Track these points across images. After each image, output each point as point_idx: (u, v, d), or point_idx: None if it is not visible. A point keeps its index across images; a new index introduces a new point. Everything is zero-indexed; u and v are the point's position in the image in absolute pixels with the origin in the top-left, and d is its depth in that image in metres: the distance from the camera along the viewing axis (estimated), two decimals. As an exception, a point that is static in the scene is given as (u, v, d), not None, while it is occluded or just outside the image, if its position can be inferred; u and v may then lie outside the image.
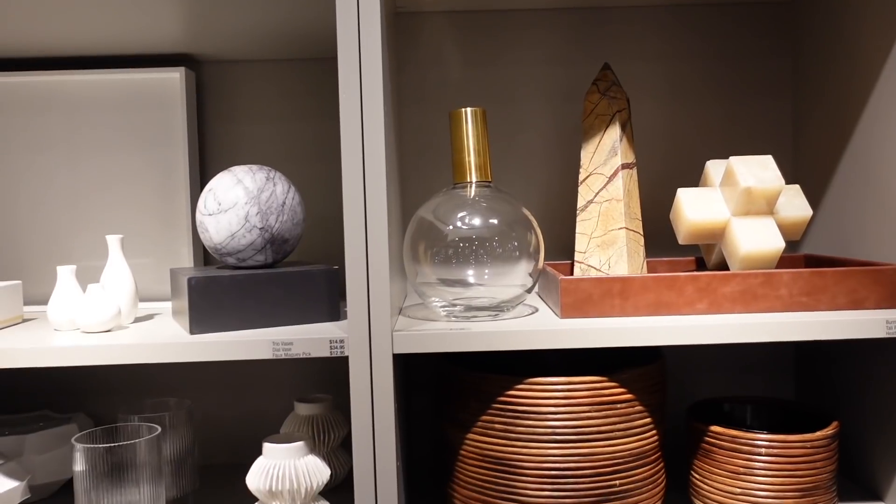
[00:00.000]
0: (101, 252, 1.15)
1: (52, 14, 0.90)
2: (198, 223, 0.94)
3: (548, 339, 0.82)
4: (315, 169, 1.21)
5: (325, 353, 0.83)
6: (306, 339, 0.83)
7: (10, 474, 0.93)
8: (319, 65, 1.20)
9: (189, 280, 0.87)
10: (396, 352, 0.83)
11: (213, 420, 1.22)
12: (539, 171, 1.20)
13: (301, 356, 0.83)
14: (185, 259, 1.15)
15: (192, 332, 0.87)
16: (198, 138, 1.19)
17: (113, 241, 0.98)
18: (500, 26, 1.18)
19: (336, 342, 0.83)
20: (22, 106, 1.15)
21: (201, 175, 1.20)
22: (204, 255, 1.20)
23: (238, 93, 1.20)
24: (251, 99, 1.20)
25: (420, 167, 1.20)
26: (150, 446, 0.90)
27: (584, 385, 0.84)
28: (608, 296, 0.87)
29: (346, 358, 0.84)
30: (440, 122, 1.19)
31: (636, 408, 0.87)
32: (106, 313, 0.90)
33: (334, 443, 1.06)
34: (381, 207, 0.81)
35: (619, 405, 0.85)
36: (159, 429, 0.92)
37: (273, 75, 1.20)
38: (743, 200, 0.92)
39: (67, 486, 1.12)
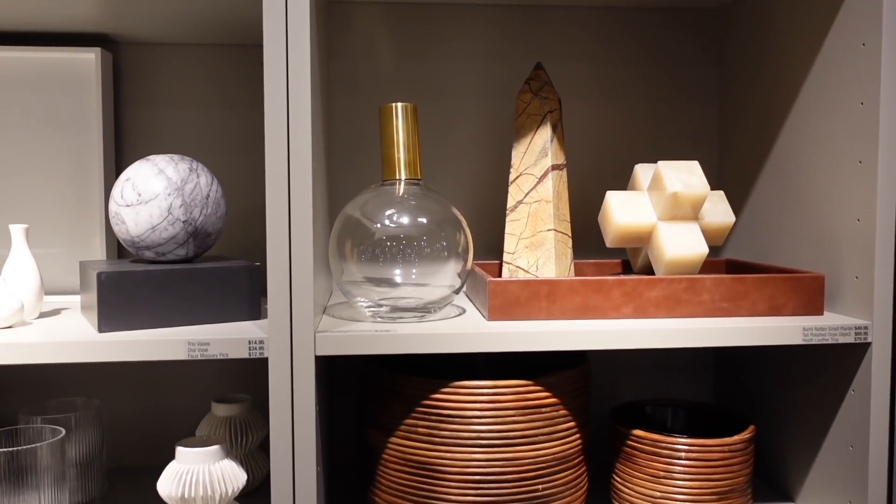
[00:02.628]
0: (4, 241, 1.08)
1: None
2: (112, 214, 0.89)
3: (475, 343, 0.81)
4: (237, 159, 1.16)
5: (244, 354, 0.79)
6: (224, 339, 0.79)
7: None
8: (245, 51, 1.15)
9: (99, 275, 0.82)
10: (319, 353, 0.80)
11: (124, 420, 1.16)
12: (470, 169, 1.18)
13: (218, 357, 0.79)
14: (98, 251, 1.10)
15: (100, 330, 0.83)
16: (114, 124, 1.13)
17: (17, 230, 0.92)
18: (434, 19, 1.16)
19: (255, 343, 0.80)
20: (-82, 82, 1.07)
21: (117, 163, 1.14)
22: (118, 247, 1.14)
23: (158, 77, 1.15)
24: (172, 84, 1.15)
25: (349, 161, 1.17)
26: (53, 450, 0.85)
27: (509, 389, 0.83)
28: (535, 298, 0.86)
29: (265, 359, 0.81)
30: (371, 115, 1.17)
31: (561, 412, 0.87)
32: (7, 308, 0.85)
33: (252, 445, 1.03)
34: (307, 202, 0.78)
35: (544, 409, 0.85)
36: (63, 431, 0.87)
37: (195, 60, 1.15)
38: (669, 205, 0.93)
39: (-37, 489, 1.05)
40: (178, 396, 1.17)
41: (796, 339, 0.84)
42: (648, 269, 1.02)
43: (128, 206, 0.88)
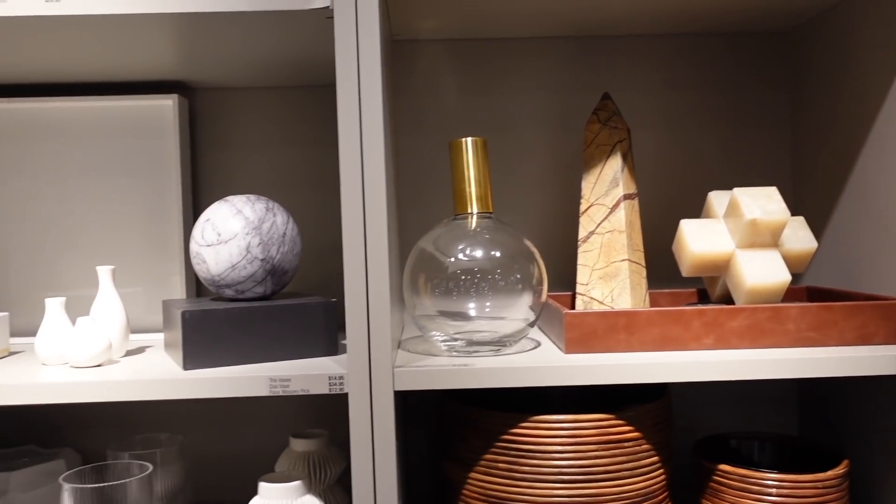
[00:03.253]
0: (91, 281, 1.13)
1: (46, 41, 0.88)
2: (193, 254, 0.92)
3: (553, 376, 0.80)
4: (309, 197, 1.19)
5: (324, 389, 0.80)
6: (304, 375, 0.80)
7: (-6, 515, 0.89)
8: (313, 92, 1.18)
9: (183, 314, 0.85)
10: (398, 389, 0.80)
11: (205, 456, 1.19)
12: (537, 201, 1.18)
13: (299, 393, 0.80)
14: (177, 289, 1.13)
15: (185, 368, 0.85)
16: (190, 166, 1.17)
17: (104, 272, 0.95)
18: (497, 54, 1.18)
19: (335, 378, 0.80)
20: (14, 133, 1.12)
21: (194, 204, 1.18)
22: (197, 285, 1.17)
23: (231, 120, 1.18)
24: (245, 126, 1.18)
25: (416, 196, 1.18)
26: (142, 485, 0.87)
27: (590, 423, 0.82)
28: (613, 330, 0.85)
29: (345, 394, 0.81)
30: (436, 151, 1.18)
31: (643, 446, 0.85)
32: (96, 347, 0.88)
33: (330, 480, 1.03)
34: (382, 239, 0.79)
35: (626, 444, 0.83)
36: (151, 467, 0.89)
37: (266, 102, 1.18)
38: (748, 232, 0.91)
39: (52, 525, 1.08)
40: (255, 432, 1.18)
41: (890, 370, 0.81)
42: (727, 299, 1.00)
43: (208, 245, 0.90)
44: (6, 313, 0.99)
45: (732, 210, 0.93)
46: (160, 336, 1.11)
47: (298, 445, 1.03)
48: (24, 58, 0.96)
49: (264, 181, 1.18)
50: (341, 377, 0.80)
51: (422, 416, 1.17)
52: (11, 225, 1.12)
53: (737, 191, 0.92)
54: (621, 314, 0.85)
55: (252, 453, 1.18)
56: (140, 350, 1.00)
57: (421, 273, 0.89)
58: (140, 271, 1.13)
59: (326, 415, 1.19)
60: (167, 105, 1.13)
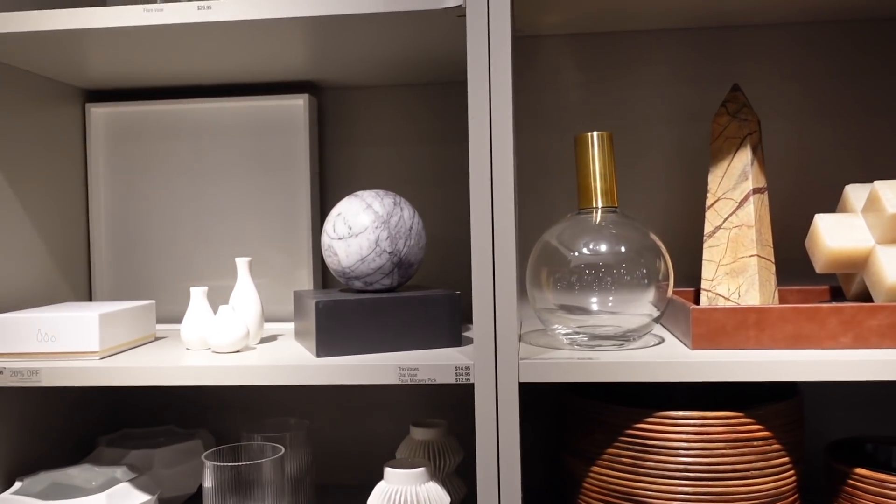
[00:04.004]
0: (225, 272, 1.19)
1: (184, 44, 0.94)
2: (325, 247, 0.96)
3: (680, 372, 0.79)
4: (431, 192, 1.21)
5: (451, 379, 0.82)
6: (432, 365, 0.83)
7: (143, 488, 0.96)
8: (436, 89, 1.21)
9: (317, 303, 0.89)
10: (523, 381, 0.81)
11: (330, 441, 1.23)
12: (661, 196, 1.17)
13: (426, 382, 0.82)
14: (304, 280, 1.18)
15: (318, 355, 0.89)
16: (318, 163, 1.22)
17: (242, 263, 1.01)
18: (619, 48, 1.17)
19: (461, 369, 0.82)
20: (154, 133, 1.20)
21: (321, 199, 1.23)
22: (323, 276, 1.22)
23: (356, 118, 1.22)
24: (369, 123, 1.22)
25: (535, 190, 1.19)
26: (275, 466, 0.91)
27: (718, 421, 0.81)
28: (742, 327, 0.83)
29: (463, 385, 0.83)
30: (556, 145, 1.18)
31: (773, 446, 0.82)
32: (236, 334, 0.93)
33: (449, 468, 1.06)
34: (509, 233, 0.80)
35: (755, 443, 0.81)
36: (283, 449, 0.94)
37: (390, 100, 1.22)
38: (890, 227, 0.87)
39: (191, 500, 1.16)
40: (375, 420, 1.22)
41: None
42: (864, 297, 0.96)
43: (339, 238, 0.94)
44: (153, 301, 1.06)
45: (872, 204, 0.89)
46: (288, 325, 1.17)
47: (419, 434, 1.06)
48: (169, 62, 1.03)
49: (388, 177, 1.22)
50: (467, 367, 0.82)
51: (537, 409, 1.18)
52: (156, 220, 1.20)
53: (878, 184, 0.88)
54: (751, 310, 0.83)
55: (374, 440, 1.22)
56: (272, 338, 1.06)
57: (544, 267, 0.90)
58: (270, 263, 1.19)
59: (445, 405, 1.21)
60: (298, 105, 1.18)
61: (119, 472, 1.01)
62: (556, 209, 1.18)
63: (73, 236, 1.17)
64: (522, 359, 0.82)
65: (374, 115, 1.22)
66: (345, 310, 0.90)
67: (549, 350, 0.87)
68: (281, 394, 1.24)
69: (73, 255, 1.17)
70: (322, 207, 1.23)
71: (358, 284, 0.96)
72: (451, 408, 1.21)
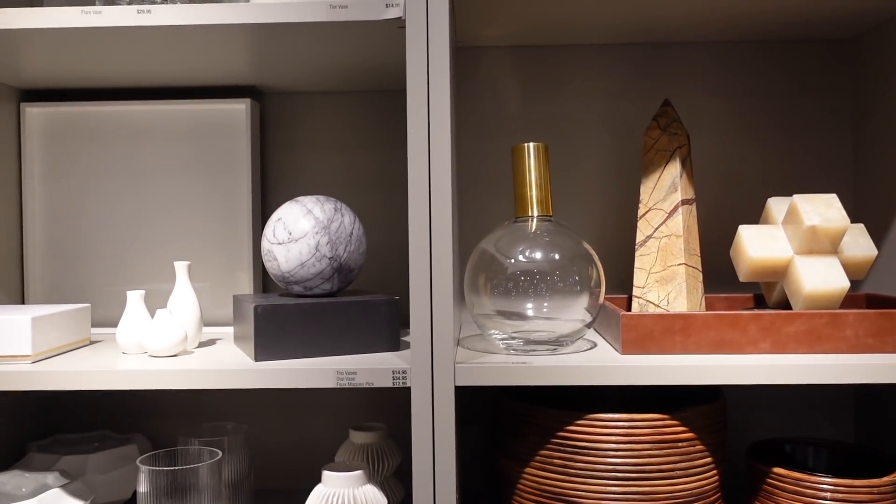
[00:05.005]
0: (163, 275, 1.18)
1: (123, 47, 0.94)
2: (265, 251, 0.96)
3: (610, 376, 0.82)
4: (372, 198, 1.23)
5: (388, 383, 0.84)
6: (369, 369, 0.84)
7: (76, 494, 0.95)
8: (379, 97, 1.22)
9: (255, 308, 0.89)
10: (458, 384, 0.83)
11: (269, 445, 1.23)
12: (595, 205, 1.20)
13: (364, 386, 0.84)
14: (245, 285, 1.18)
15: (256, 360, 0.89)
16: (260, 167, 1.22)
17: (181, 267, 1.01)
18: (557, 60, 1.20)
19: (398, 373, 0.84)
20: (92, 134, 1.19)
21: (262, 204, 1.23)
22: (263, 281, 1.22)
23: (299, 123, 1.23)
24: (312, 129, 1.23)
25: (474, 198, 1.21)
26: (212, 470, 0.91)
27: (645, 423, 0.84)
28: (669, 332, 0.87)
29: (403, 388, 0.85)
30: (495, 154, 1.21)
31: (697, 447, 0.86)
32: (173, 338, 0.93)
33: (387, 472, 1.07)
34: (447, 239, 0.82)
35: (680, 444, 0.85)
36: (220, 453, 0.94)
37: (334, 106, 1.23)
38: (807, 239, 0.92)
39: (125, 506, 1.14)
40: (315, 424, 1.23)
41: (950, 377, 0.81)
42: (784, 305, 1.00)
43: (279, 243, 0.95)
44: (88, 305, 1.05)
45: (792, 216, 0.94)
46: (228, 329, 1.16)
47: (358, 438, 1.07)
48: (107, 64, 1.02)
49: (330, 182, 1.23)
50: (404, 371, 0.84)
51: (473, 412, 1.20)
52: (92, 222, 1.19)
53: (796, 197, 0.93)
54: (678, 317, 0.87)
55: (313, 444, 1.23)
56: (211, 342, 1.05)
57: (481, 273, 0.92)
58: (210, 267, 1.18)
59: (384, 409, 1.22)
60: (240, 109, 1.18)
61: (50, 477, 1.00)
62: (495, 216, 1.21)
63: (6, 238, 1.15)
64: (458, 363, 0.84)
65: (316, 120, 1.23)
66: (283, 314, 0.90)
67: (484, 354, 0.89)
68: (219, 398, 1.24)
69: (5, 257, 1.14)
70: (263, 212, 1.23)
71: (298, 289, 0.96)
72: (390, 412, 1.22)
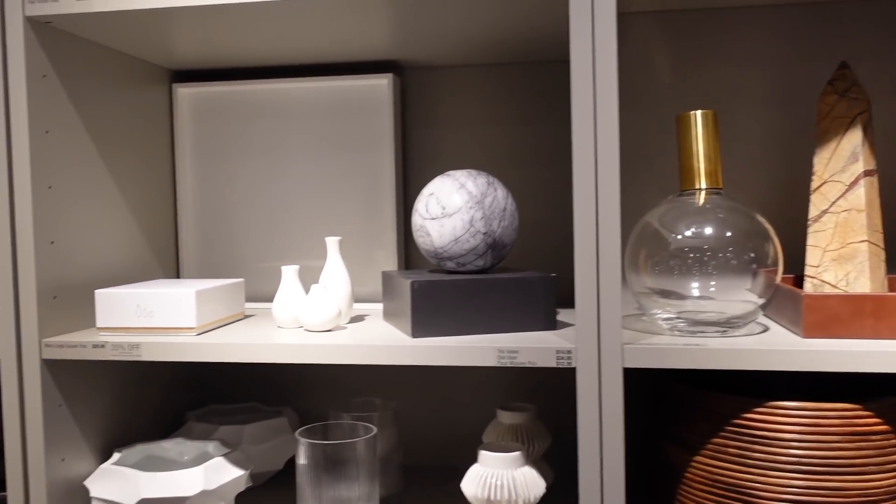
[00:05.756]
0: (308, 252, 1.19)
1: (268, 23, 0.94)
2: (417, 227, 0.95)
3: (795, 361, 0.76)
4: (514, 173, 1.19)
5: (551, 363, 0.81)
6: (532, 347, 0.81)
7: (236, 463, 0.97)
8: (524, 69, 1.18)
9: (413, 283, 0.88)
10: (627, 366, 0.79)
11: (415, 422, 1.23)
12: (758, 179, 1.12)
13: (526, 365, 0.81)
14: (389, 261, 1.17)
15: (413, 336, 0.88)
16: (402, 143, 1.21)
17: (332, 242, 1.01)
18: (714, 25, 1.12)
19: (563, 353, 0.80)
20: (239, 113, 1.21)
21: (404, 179, 1.22)
22: (405, 257, 1.21)
23: (440, 98, 1.21)
24: (453, 104, 1.21)
25: (624, 173, 1.15)
26: (368, 445, 0.91)
27: (835, 412, 0.77)
28: (859, 315, 0.80)
29: (555, 369, 0.81)
30: (647, 127, 1.15)
31: (893, 441, 0.79)
32: (328, 313, 0.93)
33: (536, 454, 1.04)
34: (614, 214, 0.78)
35: (873, 436, 0.78)
36: (375, 429, 0.94)
37: (475, 80, 1.20)
38: None
39: (278, 476, 1.17)
40: (461, 401, 1.22)
41: None
42: (983, 286, 0.91)
43: (433, 219, 0.93)
44: (242, 280, 1.07)
45: None
46: (371, 306, 1.16)
47: (506, 418, 1.05)
48: (253, 42, 1.03)
49: (473, 158, 1.20)
50: (569, 352, 0.80)
51: (629, 395, 1.16)
52: (240, 199, 1.21)
53: None
54: (869, 298, 0.79)
55: (458, 422, 1.22)
56: (360, 318, 1.05)
57: (642, 249, 0.87)
58: (354, 244, 1.18)
59: (526, 389, 1.20)
60: (382, 84, 1.17)
61: (211, 446, 1.02)
62: (647, 193, 1.15)
63: (162, 215, 1.18)
64: (627, 344, 0.80)
65: (458, 95, 1.20)
66: (440, 290, 0.89)
67: (650, 335, 0.85)
68: (365, 374, 1.24)
69: (162, 232, 1.18)
70: (405, 189, 1.22)
71: (450, 265, 0.95)
72: (537, 391, 1.19)
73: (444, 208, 0.92)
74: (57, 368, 0.93)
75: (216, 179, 1.22)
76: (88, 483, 0.93)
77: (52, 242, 0.93)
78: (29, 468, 0.91)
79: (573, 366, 0.80)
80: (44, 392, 0.91)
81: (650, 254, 0.86)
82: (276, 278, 1.20)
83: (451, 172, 0.96)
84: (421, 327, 0.88)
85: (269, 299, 1.21)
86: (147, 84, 1.15)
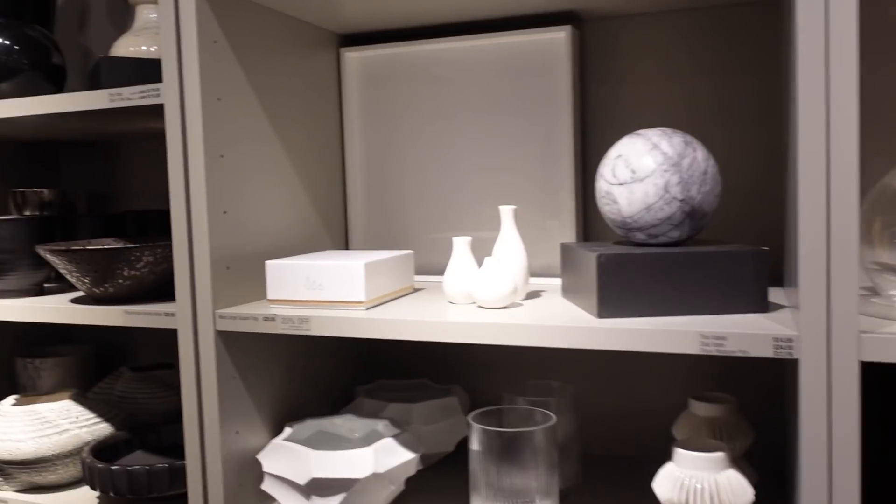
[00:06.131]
0: (479, 221, 1.12)
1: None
2: (602, 193, 0.85)
3: None
4: (712, 132, 1.05)
5: (768, 353, 0.68)
6: (743, 334, 0.69)
7: (407, 445, 0.92)
8: (723, 13, 1.03)
9: (599, 257, 0.78)
10: (864, 359, 0.65)
11: (594, 407, 1.13)
12: None
13: (737, 354, 0.69)
14: (565, 232, 1.08)
15: (600, 316, 0.78)
16: (581, 102, 1.11)
17: (506, 212, 0.93)
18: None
19: (782, 341, 0.68)
20: (407, 76, 1.15)
21: (583, 141, 1.11)
22: (584, 228, 1.11)
23: (624, 51, 1.09)
24: (639, 56, 1.08)
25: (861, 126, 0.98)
26: (547, 435, 0.83)
27: None
28: None
29: (790, 360, 0.69)
30: (890, 71, 0.97)
31: None
32: (503, 289, 0.85)
33: (737, 453, 0.92)
34: (852, 179, 0.64)
35: None
36: (554, 417, 0.85)
37: (664, 28, 1.06)
38: None
39: (448, 458, 1.12)
40: (646, 387, 1.10)
41: None
42: None
43: (620, 184, 0.82)
44: (411, 252, 1.01)
45: None
46: (547, 280, 1.07)
47: (701, 409, 0.93)
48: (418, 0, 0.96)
49: (662, 117, 1.08)
50: (790, 340, 0.67)
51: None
52: (409, 166, 1.15)
53: None
54: None
55: (643, 411, 1.11)
56: (536, 294, 0.97)
57: (878, 217, 0.72)
58: (526, 213, 1.10)
59: (721, 378, 1.06)
60: (559, 38, 1.06)
61: (381, 425, 0.98)
62: (881, 150, 0.98)
63: (331, 184, 1.15)
64: (863, 332, 0.66)
65: (643, 46, 1.08)
66: (631, 265, 0.78)
67: (891, 322, 0.70)
68: (542, 354, 1.16)
69: (331, 202, 1.15)
70: (583, 152, 1.11)
71: (640, 237, 0.84)
72: (734, 380, 1.06)
73: (633, 172, 0.81)
74: (230, 340, 0.92)
75: (385, 147, 1.17)
76: (261, 457, 0.92)
77: (225, 212, 0.92)
78: (206, 440, 0.91)
79: (795, 357, 0.67)
80: (218, 364, 0.90)
81: (889, 223, 0.71)
82: (446, 249, 1.14)
83: (641, 131, 0.85)
84: (608, 306, 0.78)
85: (439, 272, 1.15)
86: (315, 49, 1.11)
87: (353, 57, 1.17)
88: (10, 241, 1.04)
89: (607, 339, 0.74)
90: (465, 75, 1.12)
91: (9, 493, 1.06)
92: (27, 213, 1.25)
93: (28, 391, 1.28)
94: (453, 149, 1.13)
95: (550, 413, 0.86)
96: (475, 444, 0.84)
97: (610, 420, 1.12)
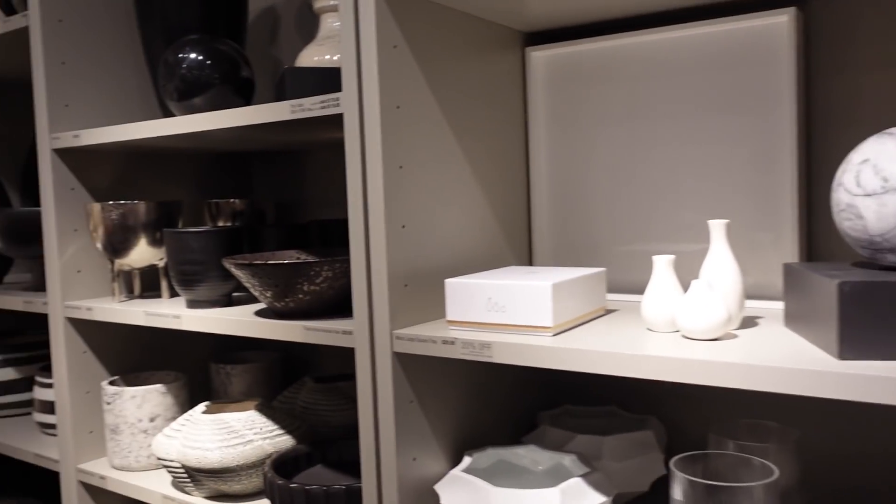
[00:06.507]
0: (687, 235, 0.99)
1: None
2: (842, 206, 0.70)
3: None
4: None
5: None
6: None
7: (598, 486, 0.82)
8: None
9: (841, 285, 0.64)
10: None
11: (818, 454, 0.96)
12: None
13: None
14: (783, 248, 0.92)
15: (841, 357, 0.64)
16: (805, 97, 0.95)
17: (717, 227, 0.80)
18: None
19: None
20: (598, 74, 1.04)
21: (807, 144, 0.96)
22: (807, 245, 0.95)
23: (860, 32, 0.91)
24: (879, 39, 0.90)
25: None
26: (768, 492, 0.70)
27: None
28: None
29: None
30: None
31: None
32: (714, 318, 0.73)
33: None
34: None
35: None
36: (776, 471, 0.72)
37: None
38: None
39: (640, 500, 1.00)
40: (877, 433, 0.93)
41: None
42: None
43: (868, 195, 0.68)
44: (603, 269, 0.91)
45: None
46: (765, 304, 0.93)
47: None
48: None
49: (910, 109, 0.90)
50: None
51: None
52: (600, 175, 1.05)
53: None
54: None
55: (882, 460, 0.93)
56: (752, 322, 0.83)
57: None
58: (740, 226, 0.96)
59: None
60: (779, 23, 0.92)
61: (567, 459, 0.89)
62: None
63: (515, 193, 1.07)
64: None
65: (886, 26, 0.90)
66: (881, 295, 0.63)
67: None
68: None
69: (514, 213, 1.07)
70: (808, 156, 0.95)
71: (892, 259, 0.68)
72: None
73: (885, 180, 0.66)
74: (407, 362, 0.87)
75: (573, 153, 1.07)
76: (438, 488, 0.86)
77: (404, 226, 0.87)
78: (382, 465, 0.86)
79: None
80: (395, 386, 0.85)
81: None
82: (641, 265, 1.03)
83: (892, 130, 0.69)
84: (852, 346, 0.64)
85: (633, 290, 1.03)
86: (498, 50, 1.04)
87: (540, 56, 1.09)
88: (201, 252, 1.06)
89: (852, 389, 0.60)
90: (664, 71, 1.00)
91: (198, 499, 1.08)
92: (220, 222, 1.29)
93: (220, 395, 1.32)
94: (652, 153, 1.01)
95: (770, 465, 0.73)
96: (678, 494, 0.73)
97: (839, 471, 0.95)
